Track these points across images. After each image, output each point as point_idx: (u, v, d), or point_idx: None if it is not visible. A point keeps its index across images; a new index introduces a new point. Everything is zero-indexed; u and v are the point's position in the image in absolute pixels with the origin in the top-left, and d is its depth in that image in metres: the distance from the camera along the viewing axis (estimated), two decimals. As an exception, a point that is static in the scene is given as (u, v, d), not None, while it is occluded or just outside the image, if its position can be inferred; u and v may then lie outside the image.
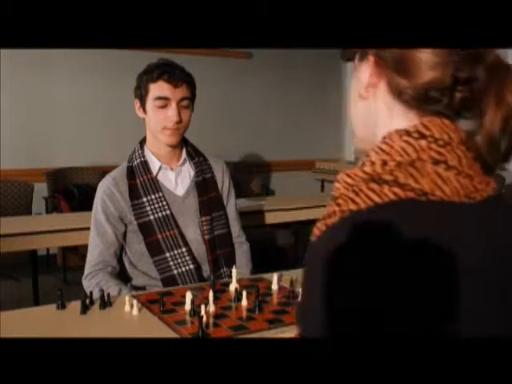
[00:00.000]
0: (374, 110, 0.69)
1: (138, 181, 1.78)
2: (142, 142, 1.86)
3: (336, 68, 5.86)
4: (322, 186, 5.80)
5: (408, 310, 0.54)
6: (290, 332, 1.28)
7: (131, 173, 1.79)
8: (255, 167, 5.25)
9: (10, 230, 2.47)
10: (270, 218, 3.01)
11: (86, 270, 1.74)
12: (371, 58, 0.67)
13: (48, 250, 4.18)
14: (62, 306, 1.42)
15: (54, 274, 3.99)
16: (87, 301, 1.43)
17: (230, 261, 1.83)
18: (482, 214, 0.62)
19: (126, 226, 1.77)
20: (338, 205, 0.62)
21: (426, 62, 0.63)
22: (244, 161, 5.25)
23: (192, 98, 1.79)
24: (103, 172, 4.50)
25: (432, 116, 0.65)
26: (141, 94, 1.77)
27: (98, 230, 1.75)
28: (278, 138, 5.50)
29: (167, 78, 1.72)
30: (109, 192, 1.76)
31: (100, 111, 4.60)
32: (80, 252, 4.18)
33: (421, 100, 0.65)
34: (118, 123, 4.66)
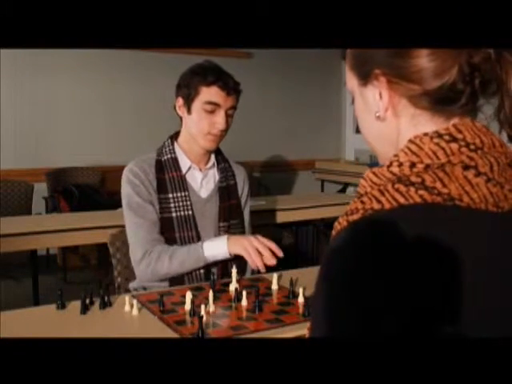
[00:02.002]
0: (396, 126, 0.68)
1: (166, 176, 1.76)
2: (173, 137, 1.83)
3: (336, 68, 5.86)
4: (322, 186, 5.81)
5: (420, 310, 0.54)
6: (289, 332, 1.28)
7: (160, 166, 1.77)
8: (255, 167, 5.25)
9: (10, 230, 2.47)
10: (270, 218, 3.02)
11: (140, 251, 1.68)
12: (382, 79, 0.65)
13: (48, 250, 4.18)
14: (62, 306, 1.42)
15: (54, 274, 3.99)
16: (87, 301, 1.43)
17: (239, 268, 1.80)
18: (506, 224, 0.61)
19: None
20: (362, 202, 0.62)
21: (442, 62, 0.62)
22: (244, 161, 5.25)
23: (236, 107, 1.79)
24: (103, 172, 4.50)
25: (458, 115, 0.64)
26: (188, 94, 1.73)
27: (138, 212, 1.71)
28: (278, 138, 5.50)
29: (222, 85, 1.69)
30: (139, 177, 1.73)
31: (100, 111, 4.61)
32: (80, 252, 4.19)
33: (447, 98, 0.63)
34: (118, 123, 4.66)
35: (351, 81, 0.72)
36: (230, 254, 1.64)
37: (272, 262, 1.58)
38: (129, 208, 1.73)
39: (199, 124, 1.73)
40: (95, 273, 4.00)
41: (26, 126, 4.34)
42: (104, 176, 4.41)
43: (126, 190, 1.74)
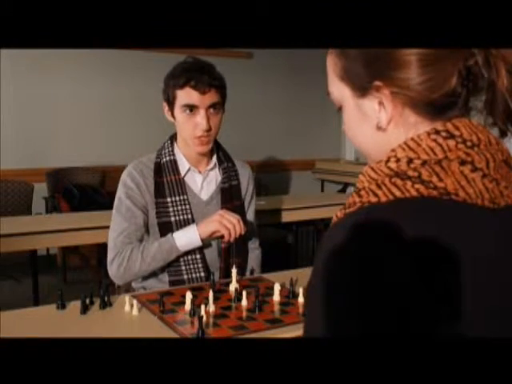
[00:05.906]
0: (397, 135, 0.67)
1: (164, 179, 1.72)
2: (173, 138, 1.79)
3: (336, 68, 5.85)
4: (322, 186, 5.80)
5: (415, 306, 0.54)
6: (289, 332, 1.28)
7: (159, 169, 1.74)
8: (255, 167, 5.24)
9: (10, 230, 2.47)
10: (270, 218, 3.01)
11: (112, 253, 1.66)
12: (385, 92, 0.65)
13: (48, 250, 4.18)
14: (62, 306, 1.42)
15: (54, 274, 3.99)
16: (87, 301, 1.43)
17: (242, 270, 1.78)
18: (502, 220, 0.61)
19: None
20: (360, 196, 0.63)
21: (445, 70, 0.62)
22: (244, 161, 5.24)
23: (222, 101, 1.72)
24: (103, 172, 4.51)
25: (455, 117, 0.64)
26: (168, 98, 1.69)
27: (125, 214, 1.68)
28: (278, 138, 5.50)
29: (194, 85, 1.62)
30: (136, 181, 1.70)
31: (100, 111, 4.60)
32: (80, 252, 4.19)
33: (448, 104, 0.64)
34: (118, 123, 4.66)
35: (341, 91, 0.71)
36: (203, 240, 1.63)
37: (241, 231, 1.61)
38: (117, 210, 1.71)
39: (183, 128, 1.69)
40: (95, 273, 3.99)
41: (26, 126, 4.34)
42: (104, 176, 4.41)
43: (119, 193, 1.72)
